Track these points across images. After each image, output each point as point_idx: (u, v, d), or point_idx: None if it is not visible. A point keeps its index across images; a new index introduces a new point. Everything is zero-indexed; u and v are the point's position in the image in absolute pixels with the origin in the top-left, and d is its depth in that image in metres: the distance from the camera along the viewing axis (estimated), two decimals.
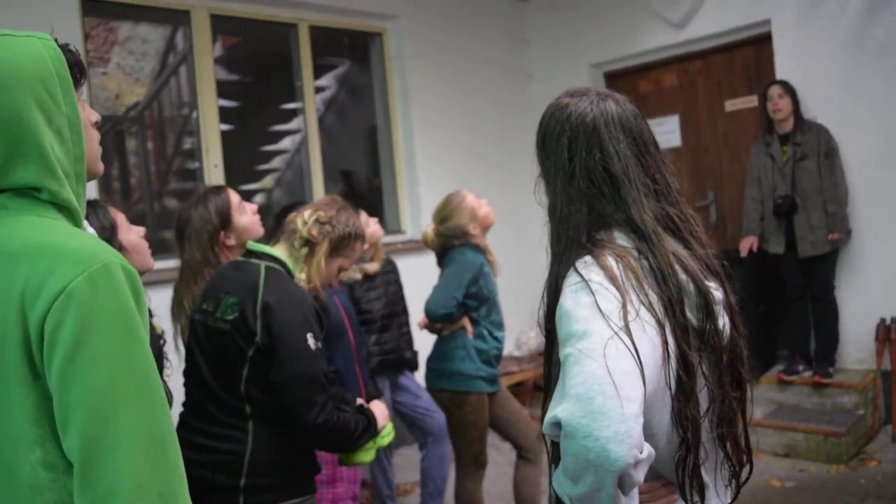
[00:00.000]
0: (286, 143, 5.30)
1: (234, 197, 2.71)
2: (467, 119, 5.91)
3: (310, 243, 2.24)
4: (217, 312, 2.11)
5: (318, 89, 5.30)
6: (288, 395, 2.02)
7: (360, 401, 2.33)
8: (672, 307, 1.26)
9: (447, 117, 5.76)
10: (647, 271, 1.29)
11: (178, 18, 4.61)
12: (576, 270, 1.29)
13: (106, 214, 2.16)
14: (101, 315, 1.04)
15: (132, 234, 2.24)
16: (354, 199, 5.40)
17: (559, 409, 1.13)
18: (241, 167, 4.91)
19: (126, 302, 1.08)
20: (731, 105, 5.59)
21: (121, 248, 2.15)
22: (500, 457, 4.52)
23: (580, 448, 1.08)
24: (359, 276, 3.59)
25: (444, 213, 3.42)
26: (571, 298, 1.25)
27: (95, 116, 1.29)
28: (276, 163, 5.31)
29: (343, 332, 3.22)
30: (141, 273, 2.21)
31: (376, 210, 3.82)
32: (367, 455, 2.27)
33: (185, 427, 2.13)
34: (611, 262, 1.28)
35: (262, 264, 2.16)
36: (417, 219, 5.53)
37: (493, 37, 6.21)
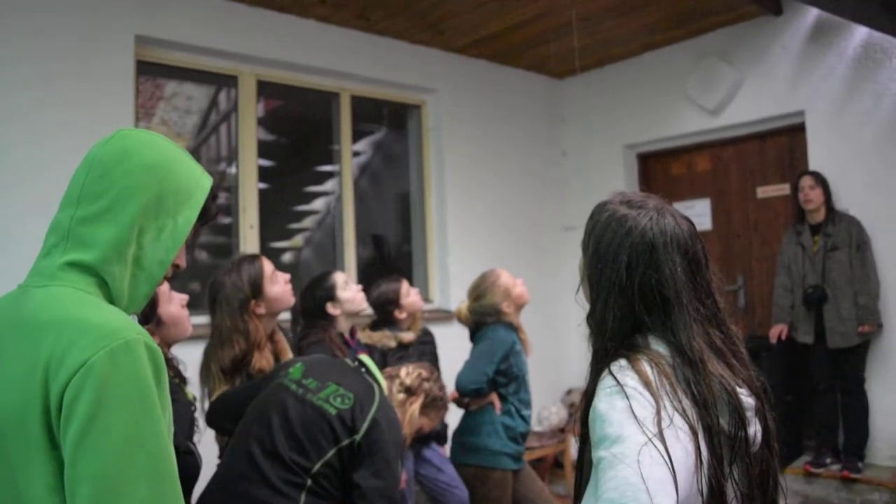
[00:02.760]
0: (318, 204, 5.40)
1: (267, 266, 2.74)
2: (500, 192, 5.99)
3: (409, 391, 2.42)
4: (321, 393, 2.20)
5: (354, 154, 5.41)
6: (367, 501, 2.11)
7: None
8: (707, 413, 1.26)
9: (480, 189, 5.84)
10: (680, 379, 1.29)
11: (226, 82, 4.77)
12: (611, 374, 1.29)
13: None
14: (117, 391, 1.06)
15: (173, 306, 2.24)
16: (383, 264, 5.48)
17: None
18: (274, 225, 5.00)
19: (144, 379, 1.09)
20: (763, 192, 5.62)
21: (159, 321, 2.17)
22: None
23: None
24: (393, 344, 3.61)
25: (479, 291, 3.45)
26: (606, 402, 1.25)
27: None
28: (308, 223, 5.40)
29: None
30: (179, 341, 2.26)
31: (404, 277, 3.85)
32: None
33: (228, 488, 2.13)
34: (646, 367, 1.28)
35: (376, 385, 2.29)
36: (446, 288, 5.57)
37: (529, 113, 6.34)
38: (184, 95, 4.80)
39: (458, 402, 3.43)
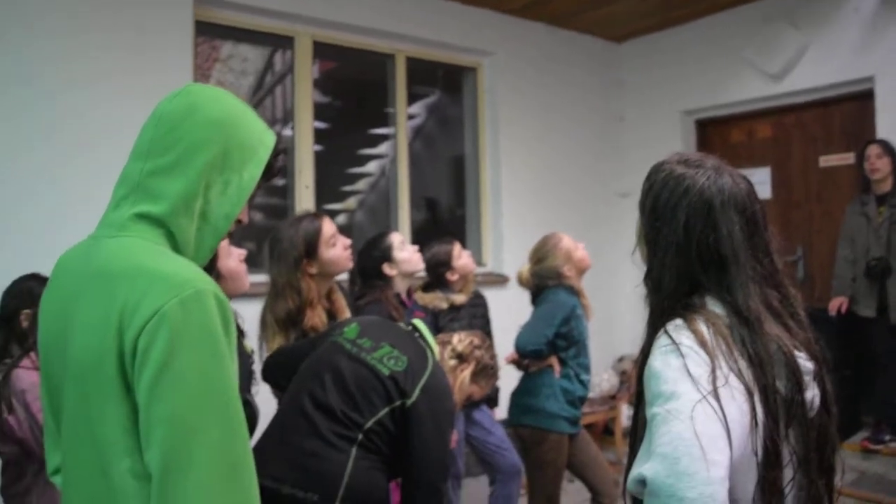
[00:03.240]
0: (372, 166, 5.41)
1: (327, 228, 2.70)
2: (555, 157, 5.93)
3: (461, 358, 2.40)
4: (375, 353, 2.18)
5: (409, 116, 5.40)
6: (422, 470, 2.10)
7: None
8: (763, 374, 1.25)
9: (535, 154, 5.79)
10: (737, 339, 1.28)
11: (282, 43, 4.79)
12: (666, 333, 1.30)
13: None
14: (189, 339, 1.09)
15: (232, 260, 2.26)
16: (437, 227, 5.49)
17: (645, 466, 1.14)
18: (328, 187, 5.03)
19: (214, 329, 1.13)
20: (826, 161, 5.46)
21: (218, 275, 2.20)
22: (565, 498, 4.45)
23: None
24: (445, 305, 3.63)
25: (541, 254, 3.44)
26: (661, 360, 1.25)
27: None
28: (361, 185, 5.42)
29: None
30: (236, 295, 2.29)
31: (458, 240, 3.85)
32: None
33: (280, 439, 2.15)
34: (702, 327, 1.28)
35: (429, 351, 2.27)
36: (499, 252, 5.56)
37: (587, 77, 6.24)
38: (239, 57, 4.84)
39: (518, 364, 3.43)
